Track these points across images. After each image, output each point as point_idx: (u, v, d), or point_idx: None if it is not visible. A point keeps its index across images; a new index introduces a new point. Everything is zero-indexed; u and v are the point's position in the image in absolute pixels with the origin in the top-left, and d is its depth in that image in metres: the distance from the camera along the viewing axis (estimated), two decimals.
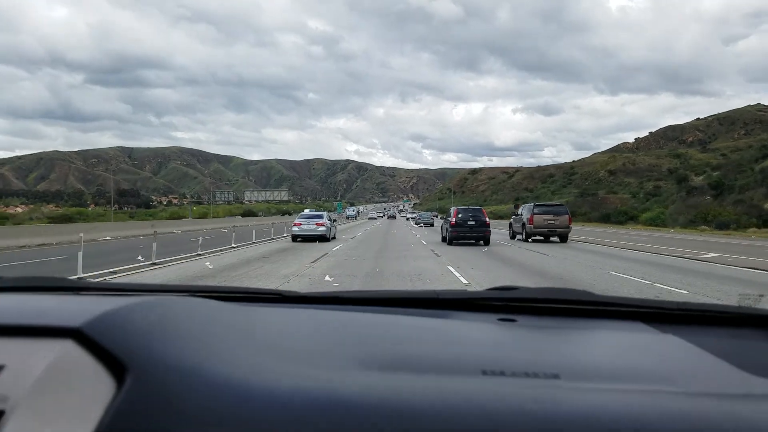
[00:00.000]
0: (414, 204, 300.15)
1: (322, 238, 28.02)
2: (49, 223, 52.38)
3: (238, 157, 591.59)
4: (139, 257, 16.69)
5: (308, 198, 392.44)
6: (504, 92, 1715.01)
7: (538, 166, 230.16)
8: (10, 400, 0.68)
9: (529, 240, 28.10)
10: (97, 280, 10.81)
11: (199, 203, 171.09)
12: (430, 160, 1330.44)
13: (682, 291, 10.88)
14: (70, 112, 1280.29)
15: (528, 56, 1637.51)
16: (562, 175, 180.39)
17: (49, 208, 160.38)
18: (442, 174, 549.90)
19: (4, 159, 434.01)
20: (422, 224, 62.42)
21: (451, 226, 25.72)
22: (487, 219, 26.13)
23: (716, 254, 19.99)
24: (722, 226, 44.59)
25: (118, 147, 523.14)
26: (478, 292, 1.60)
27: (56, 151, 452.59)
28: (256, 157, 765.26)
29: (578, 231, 41.65)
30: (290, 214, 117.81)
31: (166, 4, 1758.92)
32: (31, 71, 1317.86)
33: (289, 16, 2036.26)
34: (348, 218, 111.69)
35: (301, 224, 28.52)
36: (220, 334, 0.95)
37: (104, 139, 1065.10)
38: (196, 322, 0.99)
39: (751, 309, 1.44)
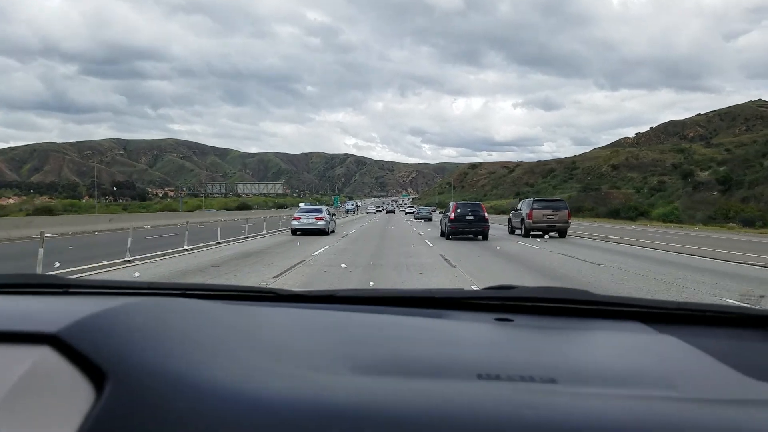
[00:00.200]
0: (413, 198, 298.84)
1: (321, 232, 28.26)
2: (28, 215, 49.67)
3: (235, 150, 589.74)
4: (56, 263, 12.53)
5: (306, 192, 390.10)
6: (504, 86, 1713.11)
7: (539, 160, 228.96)
8: None
9: (529, 235, 27.85)
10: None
11: (195, 196, 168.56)
12: (430, 154, 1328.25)
13: None
14: (65, 104, 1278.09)
15: (528, 50, 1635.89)
16: (563, 169, 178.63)
17: (43, 200, 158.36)
18: (442, 169, 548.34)
19: None
20: (421, 219, 61.40)
21: (450, 220, 25.76)
22: (486, 214, 26.17)
23: None
24: (747, 223, 42.22)
25: (114, 139, 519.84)
26: (475, 291, 1.58)
27: (50, 142, 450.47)
28: (253, 150, 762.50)
29: (588, 228, 38.92)
30: (287, 208, 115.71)
31: None
32: (25, 62, 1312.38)
33: (287, 6, 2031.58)
34: (347, 212, 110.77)
35: (300, 218, 28.83)
36: (208, 337, 0.92)
37: (100, 131, 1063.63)
38: (183, 324, 0.97)
39: (752, 309, 1.40)
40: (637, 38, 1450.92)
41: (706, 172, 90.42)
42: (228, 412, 0.68)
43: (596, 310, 1.44)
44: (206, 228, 26.02)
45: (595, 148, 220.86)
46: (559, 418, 0.69)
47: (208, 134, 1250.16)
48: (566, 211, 27.97)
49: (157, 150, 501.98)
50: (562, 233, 27.92)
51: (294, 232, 28.45)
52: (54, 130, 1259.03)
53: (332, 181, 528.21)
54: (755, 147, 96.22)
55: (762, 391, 0.90)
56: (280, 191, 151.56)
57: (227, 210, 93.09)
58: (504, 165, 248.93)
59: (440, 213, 46.98)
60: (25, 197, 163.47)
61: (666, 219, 55.63)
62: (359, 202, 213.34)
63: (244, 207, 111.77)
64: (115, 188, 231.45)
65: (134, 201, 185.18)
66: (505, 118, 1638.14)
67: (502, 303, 1.45)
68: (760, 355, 1.18)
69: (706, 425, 0.70)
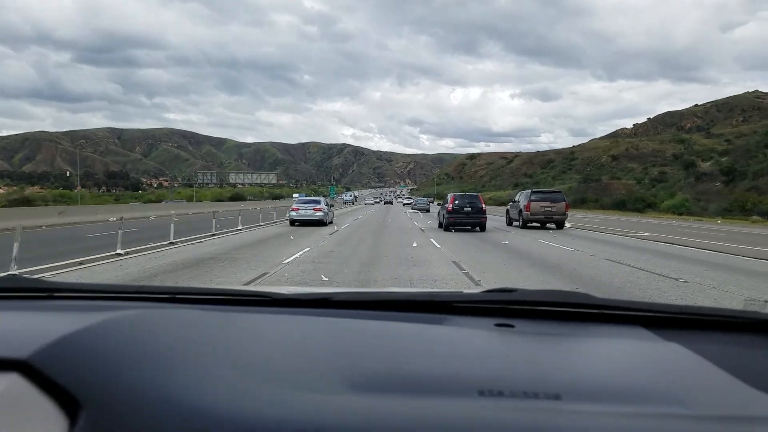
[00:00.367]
0: (411, 189, 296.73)
1: (320, 223, 28.56)
2: (4, 206, 47.14)
3: (231, 140, 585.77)
4: None
5: (303, 182, 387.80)
6: (502, 77, 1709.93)
7: (538, 151, 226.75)
8: None
9: (527, 227, 28.02)
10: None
11: (190, 186, 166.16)
12: (427, 145, 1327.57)
13: None
14: (59, 92, 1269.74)
15: (527, 40, 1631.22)
16: (561, 160, 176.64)
17: (34, 190, 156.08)
18: (440, 159, 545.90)
19: None
20: (418, 210, 60.52)
21: (448, 212, 25.92)
22: (484, 205, 26.44)
23: None
24: (766, 215, 40.31)
25: (108, 128, 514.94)
26: (475, 294, 1.54)
27: (43, 131, 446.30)
28: (250, 139, 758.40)
29: (606, 222, 36.44)
30: (282, 198, 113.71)
31: None
32: (17, 49, 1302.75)
33: None
34: (345, 203, 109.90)
35: (298, 209, 29.34)
36: (194, 355, 0.88)
37: (94, 120, 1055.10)
38: (166, 341, 0.92)
39: (757, 314, 1.39)
40: (635, 29, 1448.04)
41: (708, 163, 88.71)
42: None
43: (598, 314, 1.42)
44: (162, 224, 23.54)
45: (593, 139, 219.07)
46: None
47: (203, 123, 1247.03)
48: (564, 203, 28.09)
49: (152, 139, 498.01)
50: (560, 225, 28.02)
51: (292, 222, 28.88)
52: (48, 119, 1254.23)
53: (329, 171, 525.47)
54: (756, 137, 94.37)
55: None
56: (274, 181, 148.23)
57: (220, 201, 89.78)
58: (502, 156, 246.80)
59: (438, 204, 46.64)
60: (15, 187, 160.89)
61: (676, 211, 53.22)
62: (356, 193, 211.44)
63: (237, 198, 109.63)
64: (108, 178, 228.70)
65: (128, 191, 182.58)
66: (503, 108, 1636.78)
67: (503, 307, 1.43)
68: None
69: None
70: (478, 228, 25.89)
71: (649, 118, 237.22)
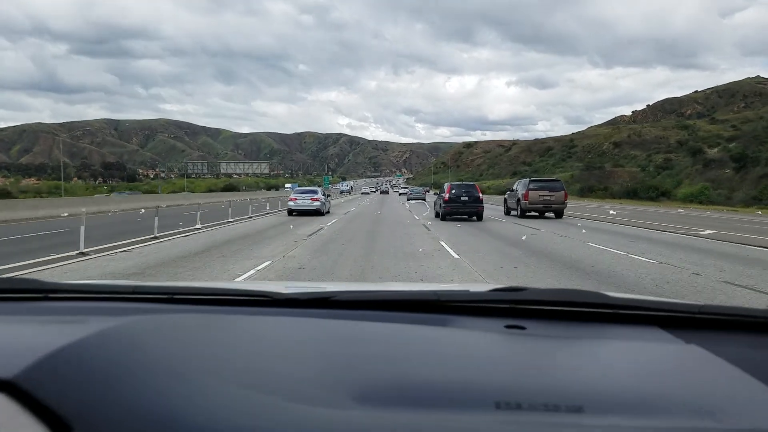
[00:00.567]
0: (407, 179, 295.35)
1: (317, 213, 29.20)
2: None
3: (227, 130, 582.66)
4: None
5: (299, 172, 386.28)
6: (498, 65, 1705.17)
7: (536, 139, 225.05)
8: None
9: (525, 216, 27.82)
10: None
11: (187, 176, 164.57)
12: (423, 134, 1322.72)
13: None
14: (56, 84, 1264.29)
15: (523, 27, 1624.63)
16: (561, 148, 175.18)
17: (31, 182, 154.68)
18: (435, 148, 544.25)
19: None
20: (414, 200, 60.22)
21: (445, 201, 26.02)
22: (481, 195, 26.44)
23: None
24: None
25: (104, 119, 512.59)
26: (482, 293, 1.49)
27: (40, 123, 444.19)
28: (245, 130, 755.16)
29: (635, 214, 32.87)
30: (278, 189, 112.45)
31: None
32: (13, 40, 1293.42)
33: None
34: (342, 193, 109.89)
35: (296, 199, 29.91)
36: (192, 367, 0.84)
37: (91, 111, 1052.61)
38: (163, 352, 0.88)
39: None
40: (632, 15, 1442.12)
41: (715, 149, 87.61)
42: None
43: (612, 314, 1.37)
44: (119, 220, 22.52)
45: (591, 126, 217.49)
46: None
47: (200, 114, 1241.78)
48: (563, 192, 27.90)
49: (149, 130, 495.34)
50: (559, 213, 27.80)
51: (290, 212, 29.52)
52: (45, 111, 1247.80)
53: (325, 161, 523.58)
54: (762, 123, 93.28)
55: None
56: (266, 171, 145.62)
57: (212, 191, 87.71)
58: (499, 144, 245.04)
59: (434, 193, 46.56)
60: (11, 179, 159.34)
61: (693, 199, 51.04)
62: (352, 183, 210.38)
63: (231, 188, 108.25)
64: (105, 169, 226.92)
65: (124, 182, 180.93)
66: (499, 96, 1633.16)
67: (512, 307, 1.38)
68: None
69: None
70: (475, 217, 25.86)
71: (648, 105, 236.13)
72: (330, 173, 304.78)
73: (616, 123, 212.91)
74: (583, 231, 19.80)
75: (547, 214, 28.13)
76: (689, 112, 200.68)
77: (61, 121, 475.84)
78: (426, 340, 1.13)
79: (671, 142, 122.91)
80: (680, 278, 10.18)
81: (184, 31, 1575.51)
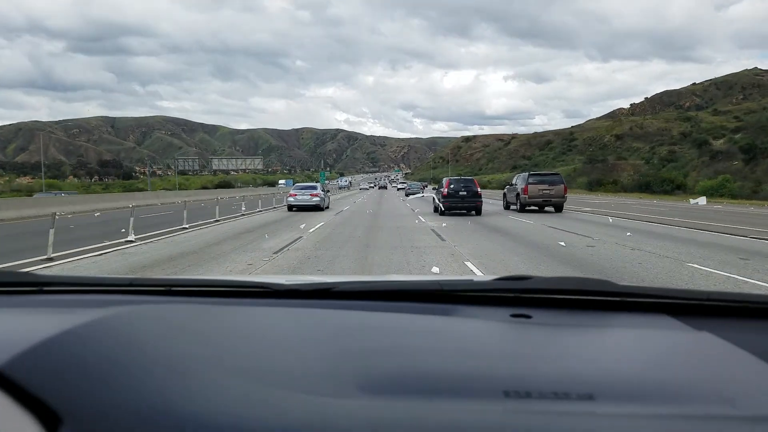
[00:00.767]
0: (405, 174, 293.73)
1: (317, 208, 29.45)
2: None
3: (224, 127, 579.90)
4: None
5: (297, 168, 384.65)
6: (495, 59, 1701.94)
7: (535, 132, 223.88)
8: None
9: (524, 210, 27.54)
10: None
11: (183, 173, 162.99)
12: (421, 129, 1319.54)
13: None
14: (53, 82, 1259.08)
15: (520, 21, 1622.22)
16: (560, 141, 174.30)
17: (26, 180, 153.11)
18: (433, 143, 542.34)
19: None
20: (412, 195, 58.99)
21: (443, 196, 25.95)
22: (479, 189, 26.44)
23: None
24: None
25: (101, 117, 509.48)
26: (486, 282, 1.45)
27: (36, 121, 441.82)
28: (243, 126, 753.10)
29: (679, 212, 28.35)
30: (273, 185, 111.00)
31: None
32: (10, 38, 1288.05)
33: None
34: (340, 188, 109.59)
35: (296, 195, 30.12)
36: (189, 357, 0.82)
37: (88, 109, 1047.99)
38: (159, 342, 0.86)
39: None
40: (629, 9, 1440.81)
41: (721, 141, 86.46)
42: None
43: (619, 302, 1.34)
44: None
45: (589, 120, 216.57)
46: None
47: (197, 111, 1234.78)
48: (562, 186, 27.68)
49: (146, 127, 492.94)
50: (558, 208, 27.60)
51: (290, 208, 29.80)
52: (42, 109, 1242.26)
53: (323, 157, 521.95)
54: (766, 114, 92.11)
55: None
56: (260, 167, 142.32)
57: (206, 188, 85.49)
58: (498, 138, 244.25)
59: (433, 188, 46.66)
60: (7, 178, 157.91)
61: (715, 193, 47.53)
62: (350, 179, 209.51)
63: (225, 185, 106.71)
64: (101, 167, 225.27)
65: (120, 180, 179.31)
66: (496, 91, 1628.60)
67: (517, 296, 1.36)
68: None
69: None
70: (474, 212, 25.76)
71: (646, 98, 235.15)
72: (328, 169, 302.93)
73: (615, 116, 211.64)
74: (628, 234, 16.02)
75: (546, 208, 27.92)
76: (688, 104, 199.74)
77: (58, 119, 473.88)
78: (430, 330, 1.11)
79: (674, 134, 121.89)
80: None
81: (181, 28, 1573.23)
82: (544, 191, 27.19)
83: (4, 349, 0.69)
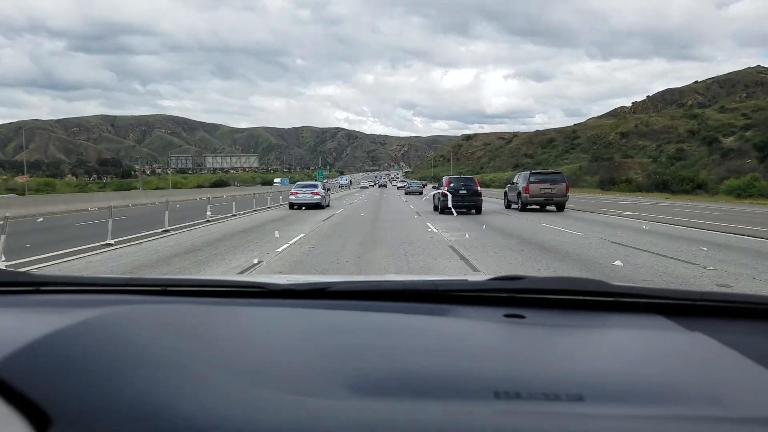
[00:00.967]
0: (406, 172, 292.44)
1: (317, 206, 30.26)
2: None
3: (224, 125, 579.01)
4: None
5: (297, 167, 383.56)
6: (495, 58, 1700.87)
7: (537, 130, 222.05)
8: None
9: (526, 209, 27.35)
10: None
11: (182, 172, 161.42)
12: (421, 128, 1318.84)
13: None
14: (54, 81, 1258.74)
15: (520, 20, 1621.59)
16: (563, 139, 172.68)
17: (24, 179, 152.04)
18: (433, 142, 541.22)
19: None
20: (411, 194, 59.58)
21: (443, 195, 26.00)
22: (479, 188, 26.64)
23: None
24: None
25: (101, 115, 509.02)
26: (480, 282, 1.46)
27: (36, 119, 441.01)
28: (243, 125, 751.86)
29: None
30: (272, 185, 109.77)
31: None
32: (11, 38, 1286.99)
33: None
34: (341, 187, 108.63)
35: (297, 193, 30.87)
36: (183, 357, 0.81)
37: (89, 108, 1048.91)
38: (152, 342, 0.85)
39: None
40: (629, 7, 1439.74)
41: (731, 138, 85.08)
42: None
43: (612, 303, 1.35)
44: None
45: (590, 118, 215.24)
46: None
47: (198, 110, 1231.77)
48: (564, 184, 27.50)
49: (146, 126, 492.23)
50: (560, 207, 27.39)
51: (291, 206, 30.53)
52: (43, 108, 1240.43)
53: (323, 155, 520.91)
54: None
55: None
56: (256, 165, 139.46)
57: (201, 187, 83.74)
58: (500, 136, 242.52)
59: (433, 187, 45.66)
60: (5, 176, 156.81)
61: (743, 193, 44.33)
62: (350, 177, 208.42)
63: (220, 184, 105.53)
64: (100, 166, 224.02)
65: (119, 178, 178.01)
66: (497, 90, 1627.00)
67: (511, 296, 1.35)
68: None
69: None
70: (474, 211, 25.74)
71: (648, 96, 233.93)
72: (328, 167, 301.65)
73: (617, 114, 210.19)
74: (704, 249, 12.50)
75: (548, 207, 27.71)
76: (690, 102, 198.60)
77: (58, 118, 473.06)
78: (424, 330, 1.11)
79: (680, 132, 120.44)
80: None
81: (181, 27, 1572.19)
82: (545, 190, 27.09)
83: None
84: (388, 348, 0.98)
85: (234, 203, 27.93)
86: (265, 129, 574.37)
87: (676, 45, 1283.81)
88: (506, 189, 32.43)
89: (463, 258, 11.51)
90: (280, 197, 39.96)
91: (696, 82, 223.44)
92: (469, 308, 1.31)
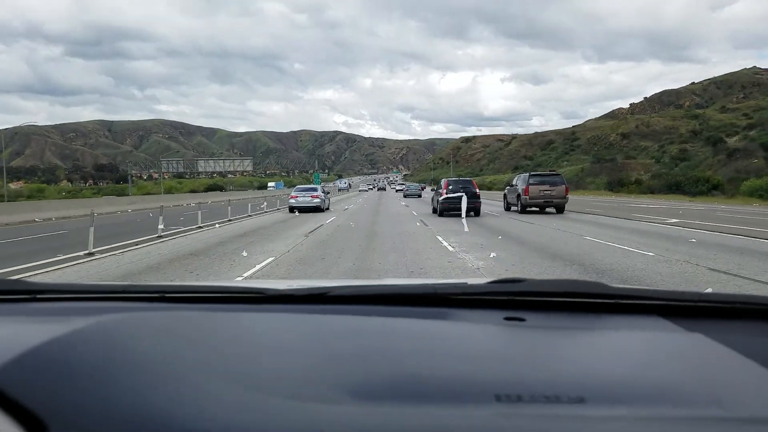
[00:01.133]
0: (405, 175, 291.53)
1: (317, 209, 30.32)
2: None
3: (222, 130, 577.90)
4: None
5: (295, 170, 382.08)
6: (492, 61, 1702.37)
7: (536, 132, 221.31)
8: None
9: (525, 211, 27.30)
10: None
11: (180, 177, 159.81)
12: (419, 131, 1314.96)
13: None
14: (51, 86, 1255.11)
15: (516, 23, 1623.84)
16: (562, 141, 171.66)
17: (19, 185, 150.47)
18: (432, 144, 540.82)
19: None
20: (410, 197, 59.86)
21: (442, 197, 26.16)
22: (478, 190, 26.93)
23: None
24: None
25: (98, 121, 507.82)
26: (481, 285, 1.46)
27: (32, 125, 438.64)
28: (242, 129, 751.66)
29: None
30: (266, 188, 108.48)
31: None
32: (7, 43, 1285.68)
33: None
34: (340, 190, 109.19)
35: (297, 197, 30.97)
36: (181, 364, 0.80)
37: (86, 113, 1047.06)
38: (150, 349, 0.84)
39: None
40: (624, 9, 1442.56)
41: (735, 138, 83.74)
42: None
43: (612, 305, 1.35)
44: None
45: (589, 120, 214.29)
46: None
47: (195, 115, 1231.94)
48: (563, 186, 27.52)
49: (143, 131, 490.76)
50: (560, 209, 27.33)
51: (291, 209, 30.26)
52: (40, 113, 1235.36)
53: (322, 159, 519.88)
54: None
55: None
56: (250, 168, 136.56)
57: (195, 192, 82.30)
58: (498, 138, 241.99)
59: (431, 189, 46.77)
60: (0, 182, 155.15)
61: (766, 195, 41.86)
62: (349, 180, 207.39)
63: (214, 188, 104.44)
64: (96, 171, 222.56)
65: (116, 184, 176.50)
66: (494, 92, 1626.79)
67: (511, 299, 1.36)
68: None
69: None
70: (472, 213, 25.22)
71: (645, 98, 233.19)
72: (326, 171, 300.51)
73: (615, 116, 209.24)
74: None
75: (547, 209, 27.74)
76: (687, 103, 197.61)
77: (55, 123, 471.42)
78: (424, 334, 1.11)
79: (682, 132, 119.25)
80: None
81: (178, 32, 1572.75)
82: (545, 192, 27.03)
83: None
84: (389, 352, 0.97)
85: (200, 213, 22.59)
86: (264, 133, 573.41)
87: (672, 47, 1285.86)
88: (505, 191, 32.39)
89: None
90: (264, 204, 36.95)
91: (693, 83, 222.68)
92: (469, 311, 1.31)
